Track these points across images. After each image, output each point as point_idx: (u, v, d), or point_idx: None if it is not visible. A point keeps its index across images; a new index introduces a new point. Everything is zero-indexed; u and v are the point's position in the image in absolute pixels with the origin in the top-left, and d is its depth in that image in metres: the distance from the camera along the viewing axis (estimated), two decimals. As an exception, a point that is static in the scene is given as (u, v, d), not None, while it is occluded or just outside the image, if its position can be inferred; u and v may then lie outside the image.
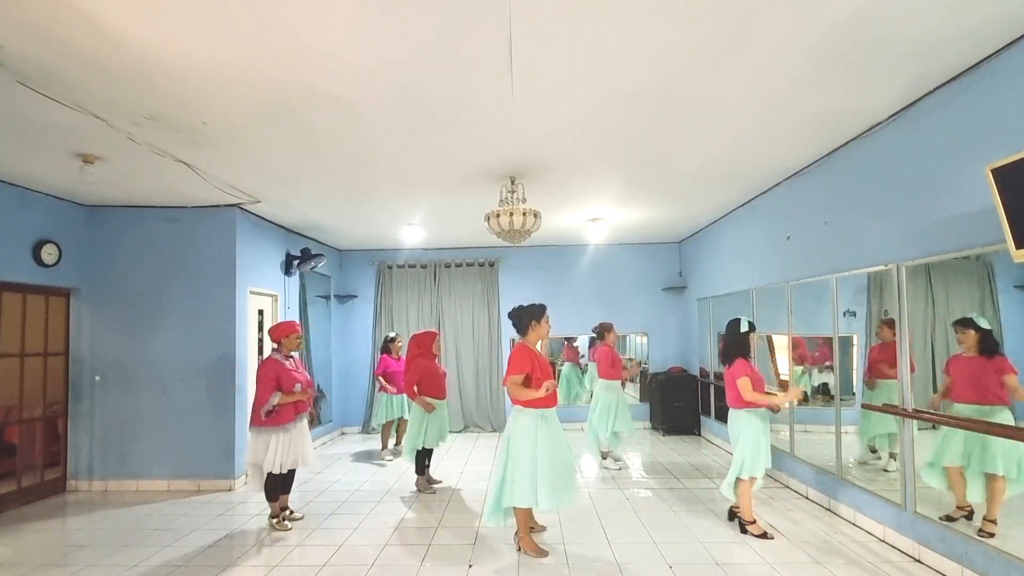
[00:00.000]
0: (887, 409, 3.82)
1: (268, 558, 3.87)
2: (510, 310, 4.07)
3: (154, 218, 5.77)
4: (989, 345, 3.11)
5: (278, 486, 4.43)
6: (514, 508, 3.77)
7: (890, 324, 3.82)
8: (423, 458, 5.46)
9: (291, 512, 4.61)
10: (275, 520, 4.44)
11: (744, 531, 4.09)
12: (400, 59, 2.88)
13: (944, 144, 3.32)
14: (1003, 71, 2.91)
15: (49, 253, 5.21)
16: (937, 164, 3.37)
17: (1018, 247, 2.50)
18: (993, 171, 2.58)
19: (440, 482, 5.65)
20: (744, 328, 4.22)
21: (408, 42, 2.72)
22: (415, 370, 5.30)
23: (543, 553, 3.78)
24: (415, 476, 5.53)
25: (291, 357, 4.56)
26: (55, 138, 3.83)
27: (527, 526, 3.89)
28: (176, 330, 5.72)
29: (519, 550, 3.83)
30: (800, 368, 5.12)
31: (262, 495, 4.56)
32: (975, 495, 3.21)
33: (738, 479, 4.06)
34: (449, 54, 2.84)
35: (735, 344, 4.21)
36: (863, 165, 4.10)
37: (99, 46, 2.67)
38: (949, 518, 3.34)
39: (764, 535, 4.00)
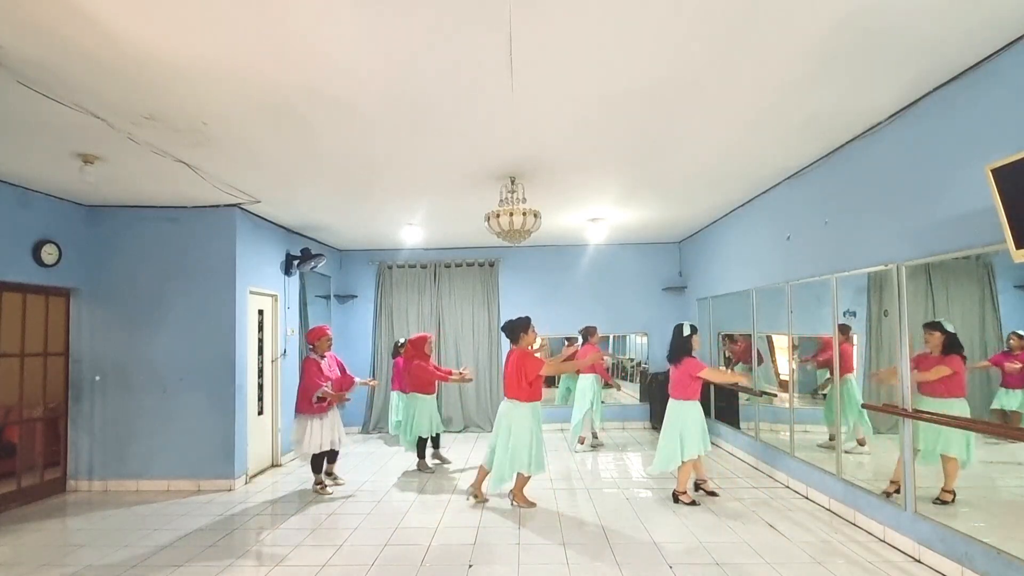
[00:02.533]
0: (887, 409, 3.82)
1: (268, 558, 3.87)
2: (503, 324, 5.12)
3: (154, 218, 5.77)
4: (952, 347, 3.42)
5: (322, 460, 5.49)
6: (518, 474, 4.81)
7: (843, 330, 4.44)
8: (423, 445, 6.27)
9: (336, 477, 5.68)
10: (319, 487, 5.40)
11: (677, 500, 4.84)
12: (400, 59, 2.88)
13: (944, 144, 3.32)
14: (1003, 71, 2.91)
15: (49, 253, 5.21)
16: (937, 164, 3.38)
17: (1018, 247, 2.50)
18: (993, 171, 2.58)
19: (451, 462, 6.52)
20: (687, 332, 4.87)
21: (408, 41, 2.72)
22: (408, 371, 6.22)
23: (533, 504, 4.88)
24: (417, 460, 6.28)
25: (325, 357, 5.41)
26: (55, 138, 3.83)
27: (521, 488, 4.93)
28: (176, 330, 5.72)
29: (513, 504, 4.90)
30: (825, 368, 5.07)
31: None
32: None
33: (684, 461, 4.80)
34: (449, 54, 2.84)
35: (681, 346, 4.86)
36: (863, 165, 4.10)
37: (99, 46, 2.67)
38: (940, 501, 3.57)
39: (693, 503, 4.80)
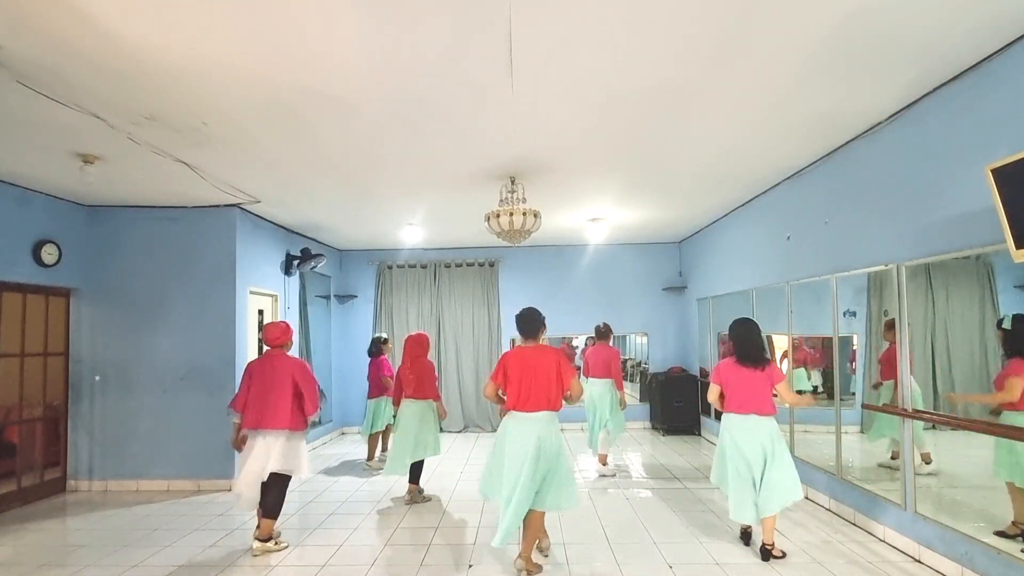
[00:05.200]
0: (887, 409, 3.82)
1: (268, 558, 3.86)
2: (526, 312, 3.81)
3: (154, 218, 5.77)
4: (1015, 347, 2.99)
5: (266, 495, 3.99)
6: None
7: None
8: (418, 467, 5.13)
9: (277, 539, 4.04)
10: (267, 542, 3.96)
11: (768, 557, 3.69)
12: (400, 59, 2.88)
13: (944, 144, 3.32)
14: (1003, 71, 2.91)
15: (49, 253, 5.21)
16: (937, 164, 3.37)
17: (1018, 247, 2.50)
18: (993, 171, 2.58)
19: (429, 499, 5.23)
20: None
21: (408, 42, 2.72)
22: (419, 373, 5.04)
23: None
24: (408, 485, 5.14)
25: None
26: (55, 138, 3.83)
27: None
28: (176, 330, 5.72)
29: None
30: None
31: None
32: None
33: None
34: (449, 54, 2.84)
35: (763, 346, 3.86)
36: (863, 165, 4.10)
37: (99, 46, 2.67)
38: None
39: (783, 555, 3.73)
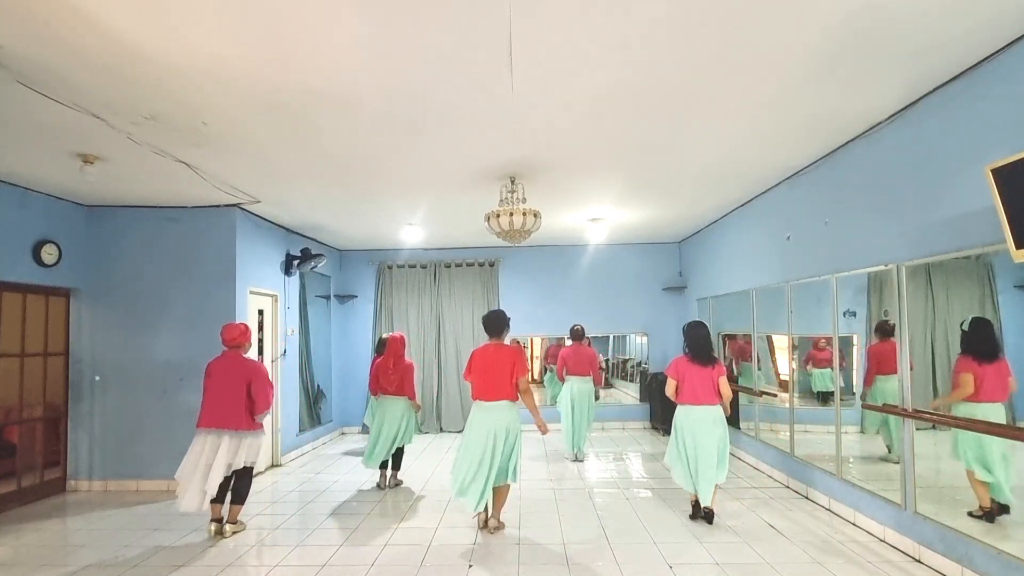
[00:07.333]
0: (887, 409, 3.83)
1: (268, 558, 3.87)
2: (493, 313, 4.51)
3: (154, 218, 5.77)
4: (966, 344, 3.30)
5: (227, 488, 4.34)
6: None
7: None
8: (399, 455, 5.70)
9: (239, 523, 4.43)
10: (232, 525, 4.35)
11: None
12: (400, 59, 2.88)
13: (944, 144, 3.32)
14: (1003, 71, 2.91)
15: (49, 253, 5.21)
16: (937, 164, 3.38)
17: (1018, 247, 2.50)
18: (993, 171, 2.58)
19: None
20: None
21: (408, 42, 2.72)
22: (402, 371, 5.54)
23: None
24: (392, 473, 5.70)
25: None
26: (55, 138, 3.83)
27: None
28: (176, 330, 5.72)
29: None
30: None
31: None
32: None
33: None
34: (449, 54, 2.84)
35: (712, 345, 4.49)
36: (863, 165, 4.10)
37: (99, 46, 2.67)
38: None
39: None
